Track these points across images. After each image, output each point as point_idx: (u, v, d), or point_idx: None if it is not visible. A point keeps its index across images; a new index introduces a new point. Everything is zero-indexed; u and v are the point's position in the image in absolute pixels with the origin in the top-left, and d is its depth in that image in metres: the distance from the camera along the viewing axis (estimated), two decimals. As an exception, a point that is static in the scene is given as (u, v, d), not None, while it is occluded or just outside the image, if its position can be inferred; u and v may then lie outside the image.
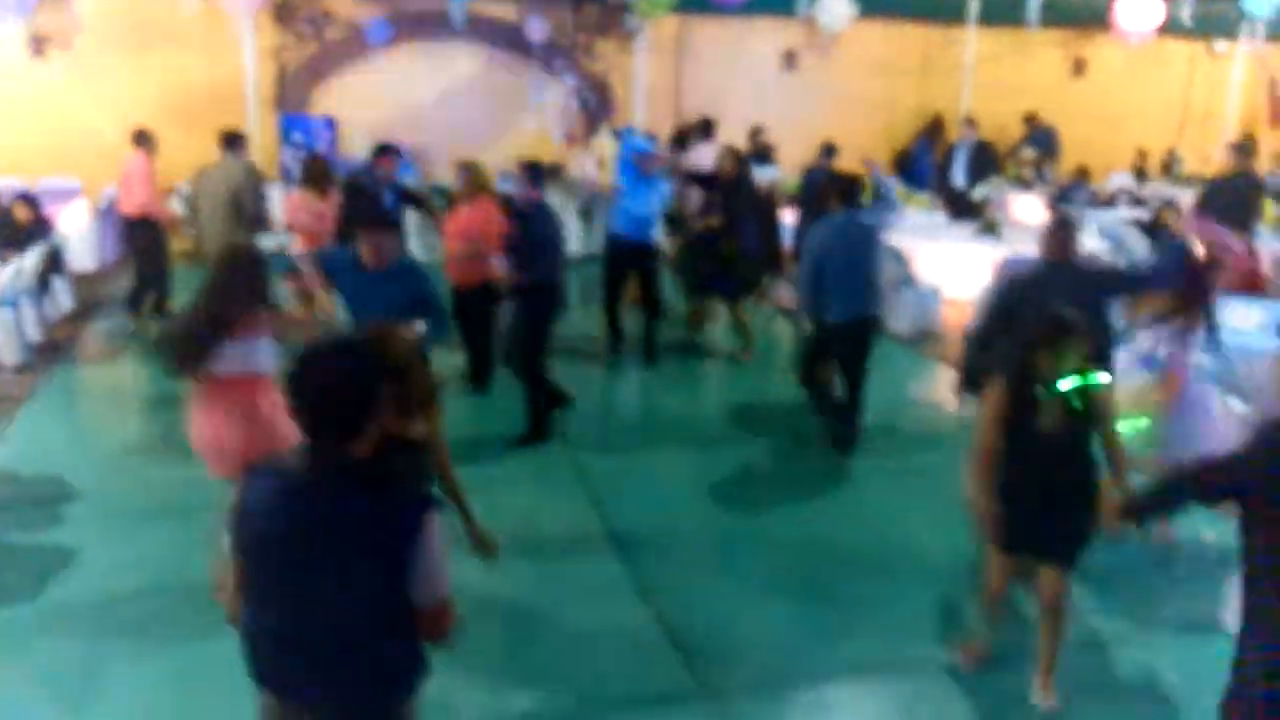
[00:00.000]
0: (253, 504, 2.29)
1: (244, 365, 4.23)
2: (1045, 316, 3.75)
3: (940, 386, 7.99)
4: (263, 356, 4.30)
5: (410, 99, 12.34)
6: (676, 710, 3.97)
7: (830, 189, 6.51)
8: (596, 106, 13.13)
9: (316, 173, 7.79)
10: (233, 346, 4.18)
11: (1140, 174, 14.19)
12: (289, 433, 4.29)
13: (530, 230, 6.39)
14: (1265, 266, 9.67)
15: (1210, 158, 14.38)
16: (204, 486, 4.52)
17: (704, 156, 10.16)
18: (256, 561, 2.30)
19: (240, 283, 4.27)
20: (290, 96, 12.12)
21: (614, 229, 8.19)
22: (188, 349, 4.20)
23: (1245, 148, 9.54)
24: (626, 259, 8.10)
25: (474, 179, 6.94)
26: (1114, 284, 5.47)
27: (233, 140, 8.35)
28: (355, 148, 11.34)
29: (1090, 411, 3.68)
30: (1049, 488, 3.75)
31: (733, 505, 5.80)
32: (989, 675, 4.12)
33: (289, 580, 2.25)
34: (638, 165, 7.97)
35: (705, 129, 10.80)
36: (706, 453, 6.52)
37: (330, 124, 12.01)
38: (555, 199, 11.88)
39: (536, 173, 6.56)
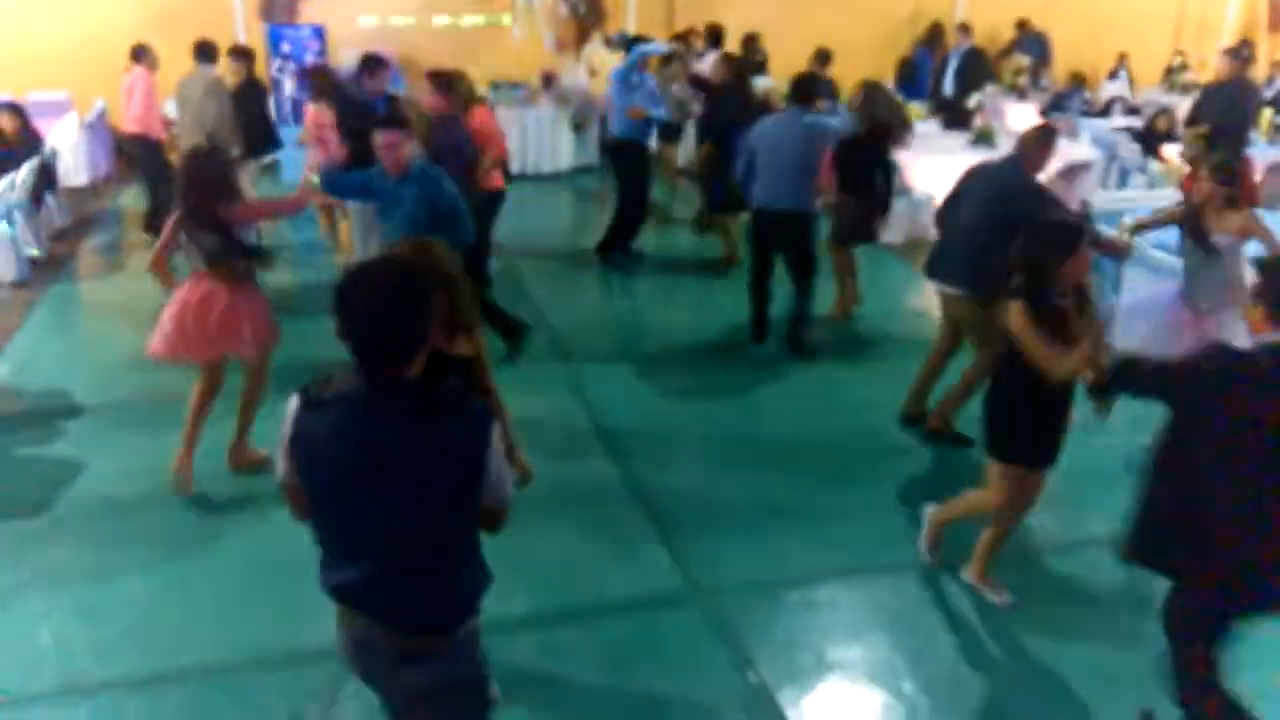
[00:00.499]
0: (318, 433, 2.24)
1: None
2: (1058, 226, 3.81)
3: (929, 297, 8.08)
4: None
5: (396, 6, 12.14)
6: (672, 610, 4.16)
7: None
8: (587, 13, 12.90)
9: (325, 86, 7.71)
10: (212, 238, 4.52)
11: (1114, 78, 13.98)
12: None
13: (438, 140, 6.25)
14: (1258, 176, 9.70)
15: (1207, 64, 14.22)
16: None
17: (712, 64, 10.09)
18: (329, 490, 2.29)
19: (201, 180, 4.49)
20: (279, 4, 11.90)
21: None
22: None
23: (1241, 53, 9.41)
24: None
25: (462, 90, 6.87)
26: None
27: (203, 50, 8.25)
28: (345, 59, 11.20)
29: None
30: (1069, 396, 3.81)
31: (719, 412, 5.97)
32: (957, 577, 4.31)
33: (364, 504, 2.25)
34: (638, 65, 8.02)
35: (714, 37, 10.67)
36: (695, 362, 6.67)
37: (319, 33, 11.82)
38: (548, 109, 11.83)
39: (443, 82, 6.46)
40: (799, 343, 6.73)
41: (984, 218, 5.01)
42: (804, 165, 6.36)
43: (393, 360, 2.21)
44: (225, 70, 8.52)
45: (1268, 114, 10.77)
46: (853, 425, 5.83)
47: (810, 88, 6.60)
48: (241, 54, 8.73)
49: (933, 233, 7.42)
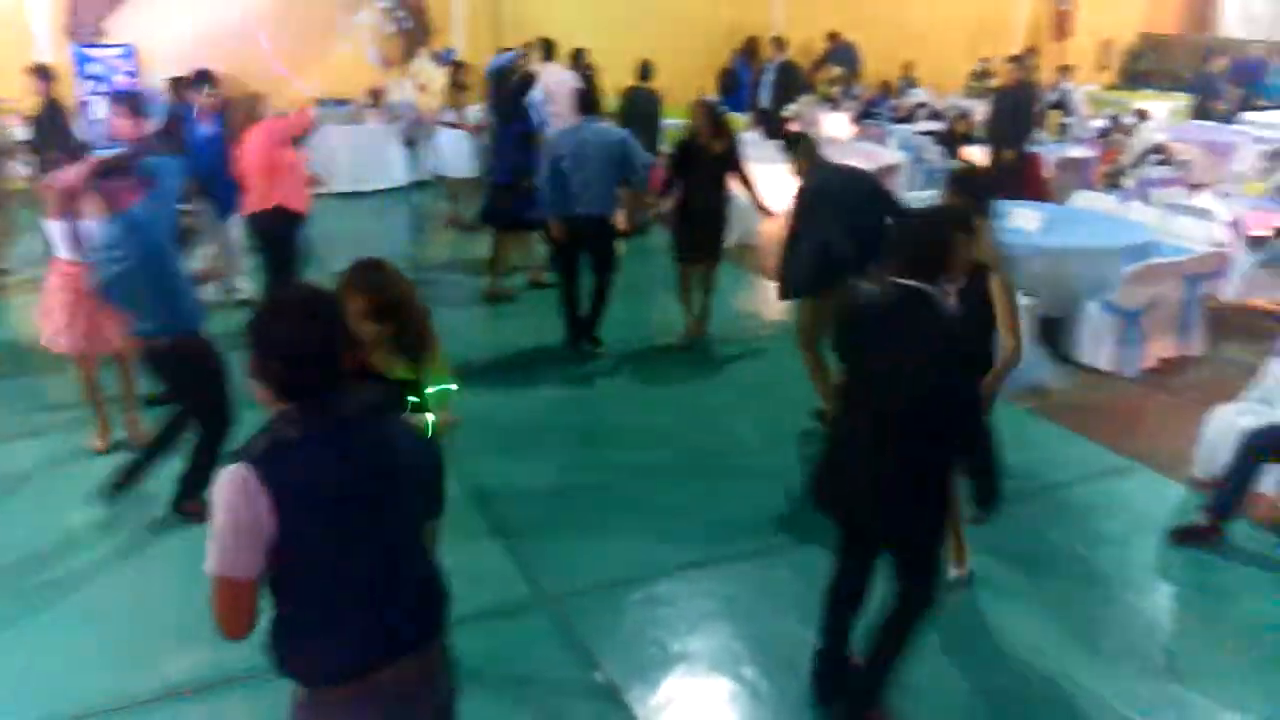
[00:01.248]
0: (308, 476, 2.08)
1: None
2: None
3: (759, 296, 8.44)
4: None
5: (213, 23, 11.75)
6: (517, 621, 4.24)
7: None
8: (413, 29, 12.82)
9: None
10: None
11: (909, 88, 14.64)
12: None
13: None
14: (1048, 172, 10.53)
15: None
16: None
17: (556, 75, 10.22)
18: (333, 532, 2.11)
19: None
20: (84, 22, 11.34)
21: None
22: None
23: (1022, 60, 10.20)
24: None
25: (248, 110, 6.75)
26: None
27: None
28: (158, 78, 10.77)
29: None
30: None
31: (554, 417, 6.09)
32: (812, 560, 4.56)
33: (372, 527, 2.16)
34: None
35: (545, 50, 10.81)
36: (529, 369, 6.81)
37: (130, 53, 11.33)
38: (376, 125, 11.70)
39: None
40: (595, 337, 7.08)
41: (845, 225, 5.36)
42: (607, 173, 6.69)
43: (337, 377, 2.16)
44: (25, 92, 8.09)
45: (1054, 115, 11.69)
46: (688, 422, 6.04)
47: (591, 100, 7.07)
48: (41, 73, 8.29)
49: (759, 238, 7.76)
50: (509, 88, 8.16)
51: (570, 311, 7.07)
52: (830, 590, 3.68)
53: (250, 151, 6.56)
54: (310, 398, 2.12)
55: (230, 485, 2.03)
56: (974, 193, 4.34)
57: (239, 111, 6.77)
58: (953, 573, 4.47)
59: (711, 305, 7.38)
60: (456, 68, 10.66)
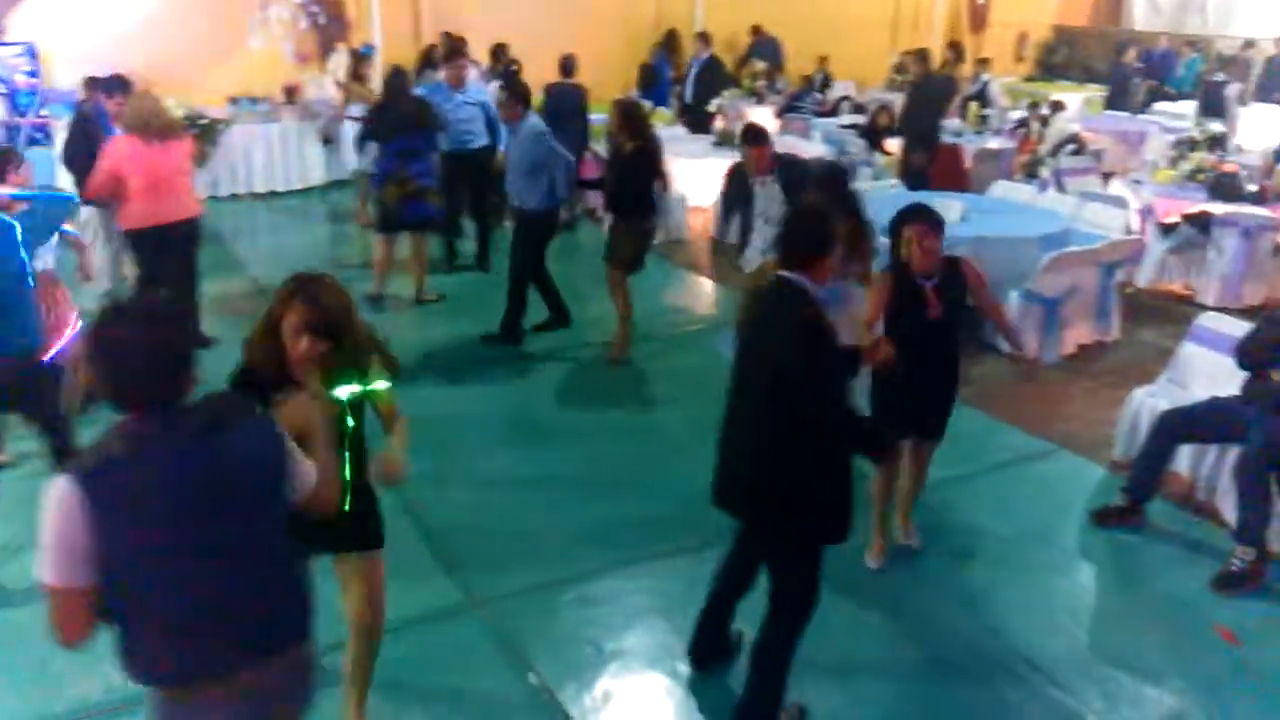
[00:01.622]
0: (135, 489, 2.05)
1: None
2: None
3: (690, 291, 8.44)
4: None
5: (119, 21, 11.37)
6: (448, 626, 4.16)
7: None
8: (328, 24, 12.56)
9: None
10: None
11: (824, 82, 14.56)
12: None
13: None
14: (967, 163, 10.71)
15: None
16: None
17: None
18: (161, 545, 2.09)
19: None
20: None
21: None
22: None
23: (923, 55, 10.32)
24: None
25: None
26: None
27: None
28: (62, 79, 10.42)
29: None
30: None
31: (482, 420, 6.02)
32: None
33: (203, 538, 2.12)
34: None
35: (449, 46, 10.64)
36: (455, 371, 6.70)
37: (31, 51, 10.90)
38: (291, 123, 11.44)
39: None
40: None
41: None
42: (550, 166, 6.77)
43: (179, 388, 2.13)
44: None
45: (974, 107, 11.89)
46: (619, 418, 6.03)
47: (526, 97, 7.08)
48: None
49: (687, 232, 7.68)
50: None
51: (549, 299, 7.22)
52: (718, 570, 3.81)
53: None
54: (150, 408, 2.10)
55: (53, 500, 2.03)
56: (837, 191, 4.70)
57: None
58: (871, 563, 4.56)
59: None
60: (356, 59, 10.45)
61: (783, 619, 3.41)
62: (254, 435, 2.25)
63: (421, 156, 7.57)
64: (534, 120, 6.95)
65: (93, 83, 7.66)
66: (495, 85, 9.67)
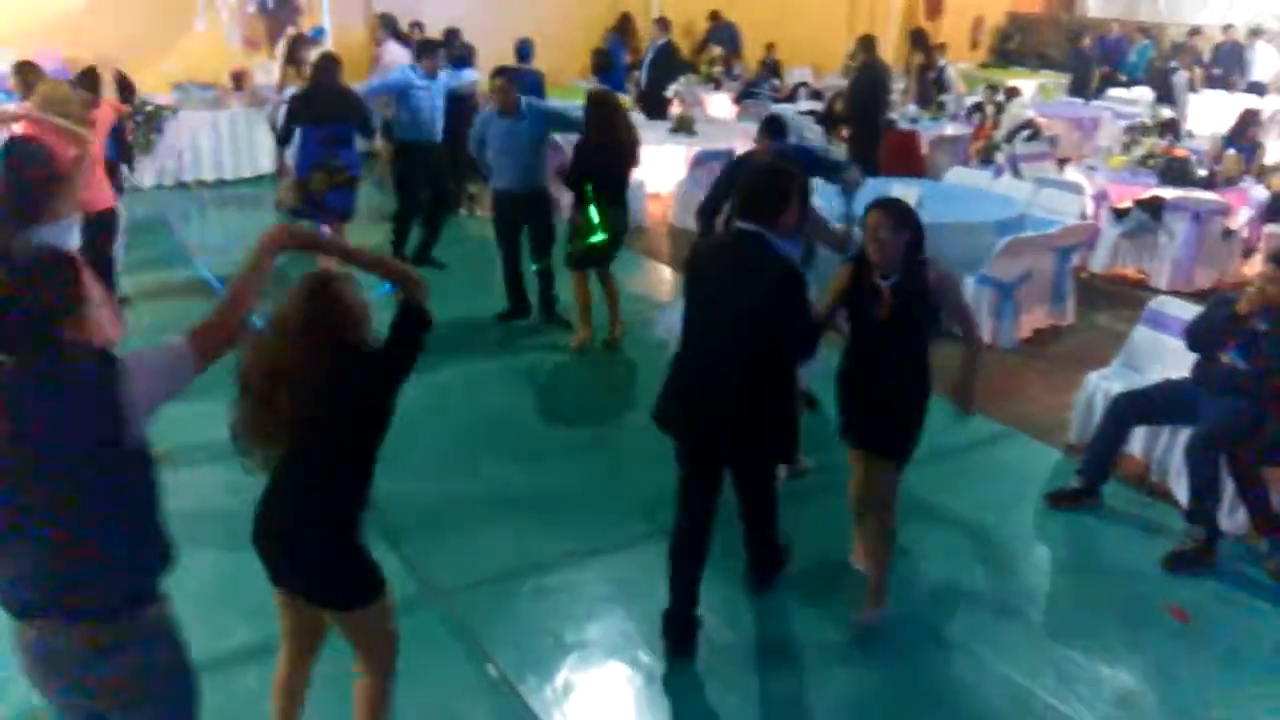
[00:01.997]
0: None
1: None
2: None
3: (647, 277, 8.39)
4: None
5: (58, 6, 11.05)
6: (406, 618, 4.07)
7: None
8: (277, 8, 12.32)
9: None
10: None
11: (774, 68, 14.58)
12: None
13: None
14: (923, 149, 10.76)
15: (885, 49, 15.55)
16: None
17: (397, 56, 9.97)
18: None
19: None
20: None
21: None
22: None
23: (867, 43, 10.25)
24: None
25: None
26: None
27: None
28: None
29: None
30: None
31: (439, 408, 5.90)
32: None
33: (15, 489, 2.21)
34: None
35: (392, 28, 10.53)
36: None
37: (-35, 32, 10.58)
38: (240, 110, 11.20)
39: None
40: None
41: None
42: (529, 151, 6.86)
43: (36, 340, 2.20)
44: None
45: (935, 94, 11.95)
46: (575, 407, 5.99)
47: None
48: None
49: (646, 219, 7.60)
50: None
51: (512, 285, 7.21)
52: (673, 544, 3.86)
53: None
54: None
55: None
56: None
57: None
58: (857, 565, 4.35)
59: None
60: (300, 42, 10.25)
61: (759, 512, 4.12)
62: (76, 406, 2.21)
63: (350, 144, 7.40)
64: (529, 99, 6.99)
65: (23, 68, 7.40)
66: (469, 71, 9.56)
